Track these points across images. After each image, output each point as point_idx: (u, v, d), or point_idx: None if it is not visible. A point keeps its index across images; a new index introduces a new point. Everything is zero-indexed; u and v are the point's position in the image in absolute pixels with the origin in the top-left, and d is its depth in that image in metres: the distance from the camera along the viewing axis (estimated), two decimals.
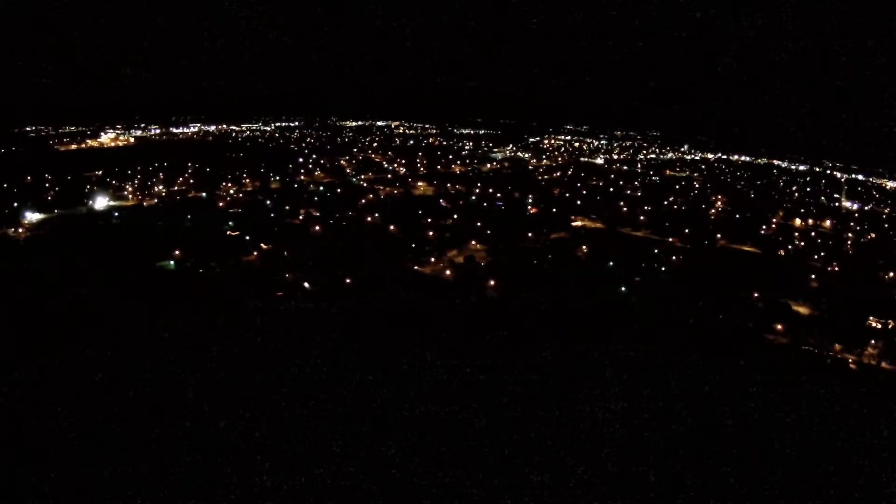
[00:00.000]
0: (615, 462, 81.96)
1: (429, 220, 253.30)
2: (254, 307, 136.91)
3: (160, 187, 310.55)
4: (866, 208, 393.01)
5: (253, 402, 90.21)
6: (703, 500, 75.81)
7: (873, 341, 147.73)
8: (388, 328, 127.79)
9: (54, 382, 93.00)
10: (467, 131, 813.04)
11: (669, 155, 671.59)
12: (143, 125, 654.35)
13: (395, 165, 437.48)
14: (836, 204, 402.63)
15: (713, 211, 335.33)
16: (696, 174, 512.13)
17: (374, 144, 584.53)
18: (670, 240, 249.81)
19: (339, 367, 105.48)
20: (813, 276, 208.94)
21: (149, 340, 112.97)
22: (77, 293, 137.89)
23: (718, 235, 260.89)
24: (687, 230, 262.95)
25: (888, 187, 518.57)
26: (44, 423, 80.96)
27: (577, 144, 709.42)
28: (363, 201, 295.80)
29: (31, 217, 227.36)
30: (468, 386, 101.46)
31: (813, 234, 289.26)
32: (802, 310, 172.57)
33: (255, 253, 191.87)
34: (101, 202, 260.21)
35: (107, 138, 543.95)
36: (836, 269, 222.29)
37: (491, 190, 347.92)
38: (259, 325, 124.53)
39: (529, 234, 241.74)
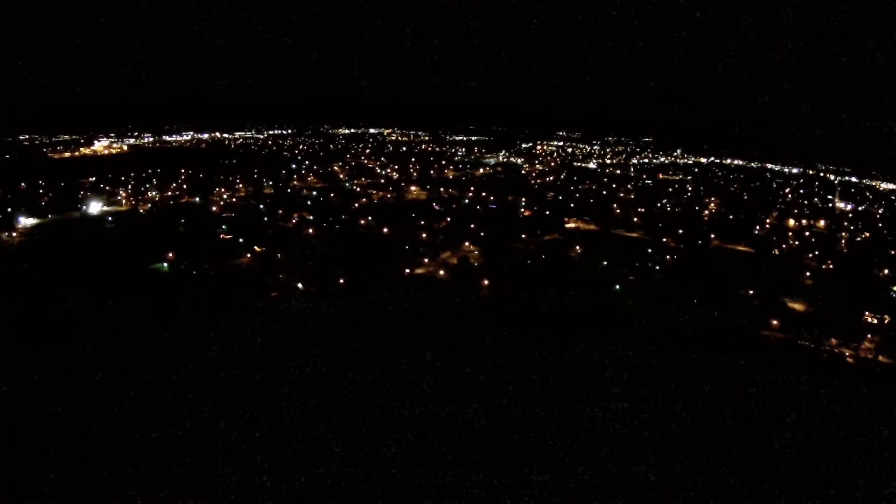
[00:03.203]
0: (615, 462, 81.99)
1: (422, 222, 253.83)
2: (253, 307, 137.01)
3: (154, 193, 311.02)
4: (860, 209, 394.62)
5: (253, 402, 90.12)
6: (703, 500, 75.88)
7: (869, 335, 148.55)
8: (387, 328, 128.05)
9: (54, 382, 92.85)
10: (460, 138, 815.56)
11: (662, 159, 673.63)
12: (136, 133, 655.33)
13: (389, 171, 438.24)
14: (830, 205, 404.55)
15: (706, 212, 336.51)
16: (689, 177, 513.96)
17: (367, 151, 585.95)
18: (665, 240, 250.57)
19: (339, 367, 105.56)
20: (808, 273, 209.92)
21: (149, 340, 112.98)
22: (76, 293, 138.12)
23: (712, 236, 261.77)
24: (681, 231, 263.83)
25: (881, 188, 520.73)
26: (44, 423, 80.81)
27: (569, 150, 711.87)
28: (356, 205, 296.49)
29: (25, 221, 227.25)
30: (468, 386, 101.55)
31: (807, 233, 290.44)
32: (798, 306, 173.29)
33: (249, 255, 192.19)
34: (94, 207, 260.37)
35: (100, 146, 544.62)
36: (831, 266, 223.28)
37: (484, 193, 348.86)
38: (259, 325, 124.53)
39: (523, 236, 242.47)
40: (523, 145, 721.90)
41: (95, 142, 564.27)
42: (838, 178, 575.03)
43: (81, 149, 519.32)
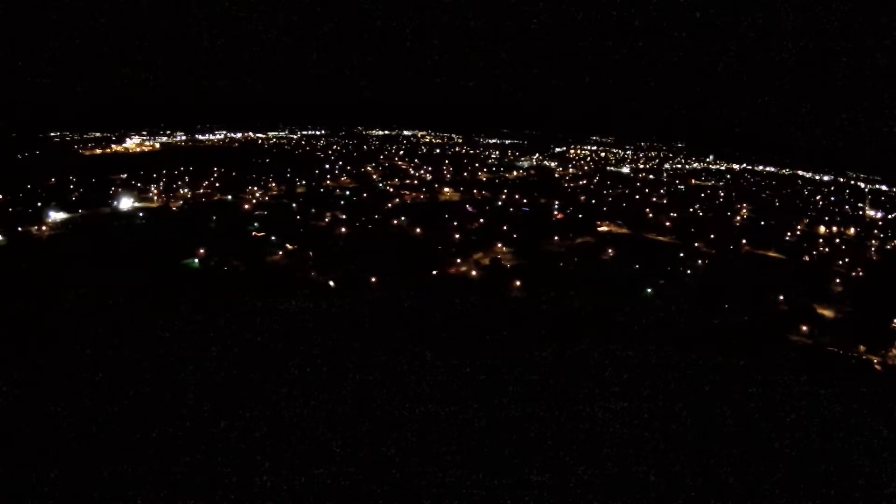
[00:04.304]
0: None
1: (455, 223, 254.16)
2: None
3: (185, 190, 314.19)
4: (890, 216, 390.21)
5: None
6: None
7: None
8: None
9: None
10: (493, 141, 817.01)
11: (695, 164, 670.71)
12: (168, 132, 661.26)
13: (422, 172, 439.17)
14: (860, 212, 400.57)
15: (738, 218, 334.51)
16: (721, 183, 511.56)
17: (401, 152, 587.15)
18: (696, 245, 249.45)
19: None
20: (837, 280, 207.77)
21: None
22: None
23: (743, 241, 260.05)
24: (712, 236, 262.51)
25: None
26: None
27: (602, 154, 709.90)
28: (389, 205, 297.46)
29: (55, 216, 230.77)
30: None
31: (837, 240, 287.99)
32: (827, 312, 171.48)
33: (280, 253, 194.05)
34: (125, 203, 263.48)
35: (132, 143, 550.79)
36: (861, 273, 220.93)
37: (517, 196, 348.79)
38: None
39: (556, 238, 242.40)
40: (556, 149, 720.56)
41: (127, 139, 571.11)
42: (869, 186, 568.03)
43: (113, 146, 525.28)
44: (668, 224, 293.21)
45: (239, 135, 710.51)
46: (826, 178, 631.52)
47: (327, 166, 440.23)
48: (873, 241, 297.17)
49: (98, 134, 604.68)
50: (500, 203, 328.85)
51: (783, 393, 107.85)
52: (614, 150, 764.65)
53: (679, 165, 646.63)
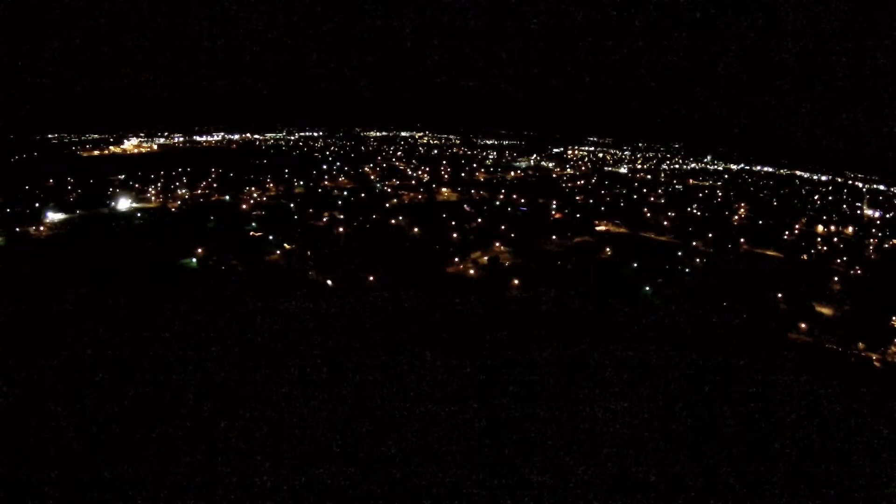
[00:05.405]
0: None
1: (453, 223, 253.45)
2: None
3: (183, 191, 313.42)
4: (888, 216, 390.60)
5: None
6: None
7: None
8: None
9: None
10: (491, 141, 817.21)
11: (692, 165, 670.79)
12: (166, 133, 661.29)
13: (420, 173, 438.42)
14: (858, 212, 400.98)
15: (736, 218, 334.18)
16: (719, 183, 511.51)
17: (398, 153, 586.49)
18: (694, 244, 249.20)
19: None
20: (836, 278, 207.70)
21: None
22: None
23: (742, 240, 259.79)
24: (710, 235, 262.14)
25: None
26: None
27: (600, 154, 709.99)
28: (387, 206, 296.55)
29: (53, 217, 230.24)
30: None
31: (835, 240, 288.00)
32: (826, 310, 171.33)
33: (279, 252, 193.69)
34: (123, 203, 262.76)
35: (130, 145, 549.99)
36: (859, 272, 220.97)
37: (515, 196, 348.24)
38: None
39: (554, 237, 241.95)
40: (554, 149, 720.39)
41: (125, 141, 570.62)
42: (866, 186, 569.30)
43: (111, 147, 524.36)
44: (666, 224, 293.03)
45: (237, 136, 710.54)
46: (824, 177, 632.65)
47: (325, 167, 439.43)
48: (871, 240, 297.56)
49: (96, 135, 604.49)
50: (498, 203, 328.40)
51: (783, 393, 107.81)
52: (612, 151, 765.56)
53: (677, 165, 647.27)
